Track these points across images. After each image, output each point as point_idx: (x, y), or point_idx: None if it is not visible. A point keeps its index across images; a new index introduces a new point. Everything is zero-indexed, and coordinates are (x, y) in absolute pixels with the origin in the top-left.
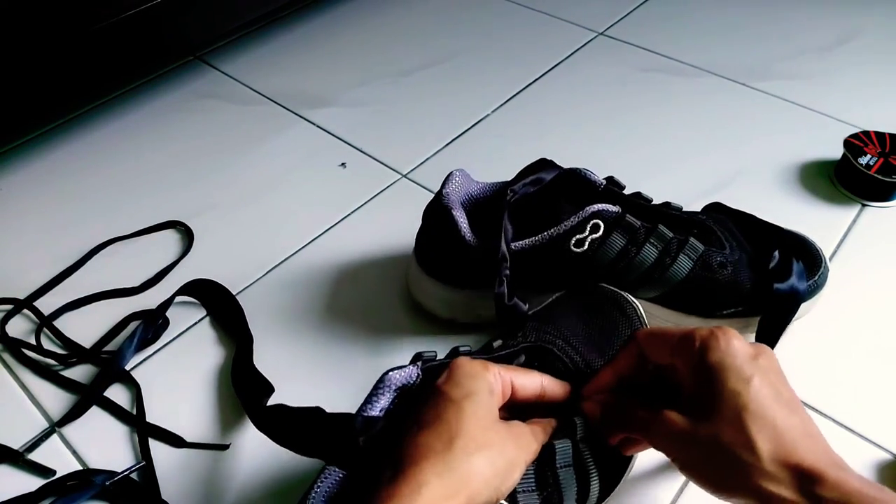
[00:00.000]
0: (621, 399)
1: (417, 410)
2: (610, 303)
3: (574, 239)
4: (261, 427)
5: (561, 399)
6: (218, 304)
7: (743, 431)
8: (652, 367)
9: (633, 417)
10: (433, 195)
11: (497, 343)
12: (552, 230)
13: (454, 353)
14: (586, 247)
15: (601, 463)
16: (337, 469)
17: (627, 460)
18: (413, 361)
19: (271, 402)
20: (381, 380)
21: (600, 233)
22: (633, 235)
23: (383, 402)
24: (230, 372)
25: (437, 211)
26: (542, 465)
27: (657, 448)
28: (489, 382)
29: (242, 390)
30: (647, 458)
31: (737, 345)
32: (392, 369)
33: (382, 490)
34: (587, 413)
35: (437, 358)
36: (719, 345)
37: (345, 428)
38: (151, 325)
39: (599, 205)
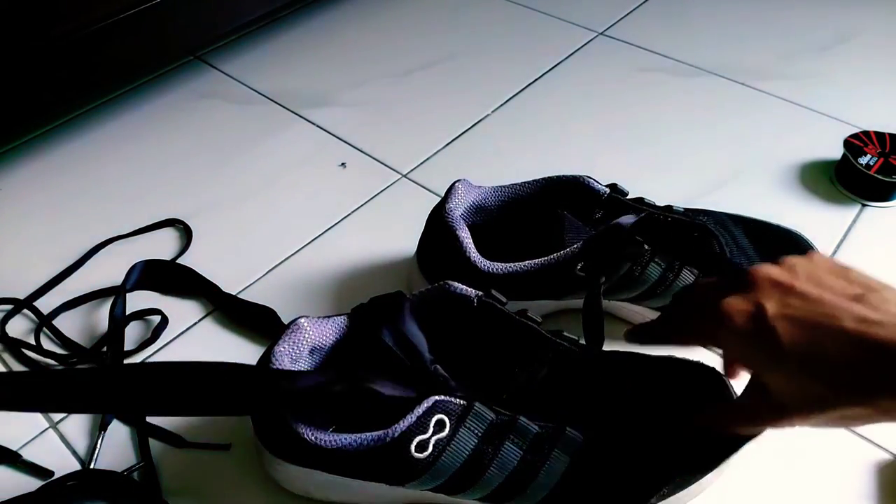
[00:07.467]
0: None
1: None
2: None
3: (579, 265)
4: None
5: None
6: (169, 279)
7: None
8: None
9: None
10: (436, 201)
11: None
12: (559, 254)
13: None
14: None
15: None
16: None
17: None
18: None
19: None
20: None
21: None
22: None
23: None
24: (226, 311)
25: (441, 226)
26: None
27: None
28: None
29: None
30: None
31: (737, 325)
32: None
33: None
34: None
35: None
36: (729, 335)
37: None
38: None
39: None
